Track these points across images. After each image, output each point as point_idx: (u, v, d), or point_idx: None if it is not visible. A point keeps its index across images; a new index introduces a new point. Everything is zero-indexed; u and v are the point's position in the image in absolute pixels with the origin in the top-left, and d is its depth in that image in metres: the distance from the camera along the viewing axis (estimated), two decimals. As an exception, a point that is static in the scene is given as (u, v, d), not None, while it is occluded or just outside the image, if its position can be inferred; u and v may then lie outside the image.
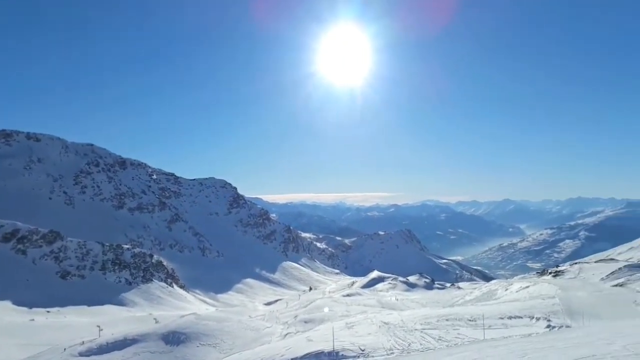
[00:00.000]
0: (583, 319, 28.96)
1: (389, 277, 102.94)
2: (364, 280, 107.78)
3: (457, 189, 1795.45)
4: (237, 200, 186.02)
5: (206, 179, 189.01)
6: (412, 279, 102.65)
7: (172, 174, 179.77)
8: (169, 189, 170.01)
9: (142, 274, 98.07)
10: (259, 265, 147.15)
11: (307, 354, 25.62)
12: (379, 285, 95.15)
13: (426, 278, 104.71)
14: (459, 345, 22.25)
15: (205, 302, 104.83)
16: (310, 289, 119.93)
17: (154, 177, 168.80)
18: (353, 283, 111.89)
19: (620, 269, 58.74)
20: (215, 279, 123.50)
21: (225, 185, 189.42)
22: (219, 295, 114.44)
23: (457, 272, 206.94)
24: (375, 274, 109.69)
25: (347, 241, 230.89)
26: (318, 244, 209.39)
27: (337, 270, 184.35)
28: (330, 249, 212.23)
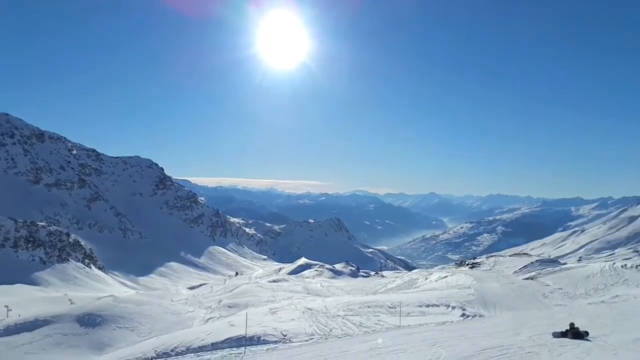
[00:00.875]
0: (495, 309, 30.71)
1: (316, 265, 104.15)
2: (291, 266, 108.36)
3: (386, 181, 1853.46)
4: (163, 181, 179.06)
5: (130, 157, 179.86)
6: (338, 266, 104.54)
7: (94, 150, 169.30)
8: (90, 165, 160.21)
9: (57, 253, 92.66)
10: (184, 248, 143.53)
11: (227, 338, 25.16)
12: (306, 272, 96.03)
13: (352, 266, 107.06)
14: (376, 331, 22.67)
15: (125, 284, 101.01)
16: (237, 274, 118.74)
17: (74, 152, 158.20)
18: (280, 269, 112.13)
19: (532, 263, 63.45)
20: (136, 262, 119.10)
21: (151, 165, 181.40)
22: (140, 278, 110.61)
23: (382, 261, 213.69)
24: (302, 260, 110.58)
25: (276, 227, 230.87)
26: (247, 230, 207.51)
27: (265, 256, 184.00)
28: (259, 234, 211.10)
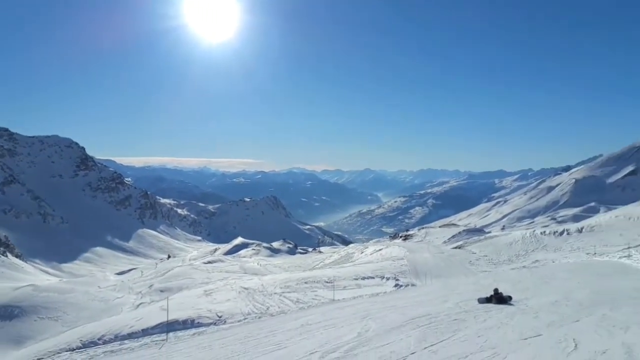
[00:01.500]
0: (426, 278, 32.03)
1: (253, 243, 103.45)
2: (227, 246, 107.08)
3: (323, 157, 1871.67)
4: (85, 161, 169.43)
5: (48, 136, 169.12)
6: (275, 244, 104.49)
7: (6, 130, 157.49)
8: (2, 146, 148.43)
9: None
10: (110, 232, 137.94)
11: (159, 323, 24.33)
12: (243, 252, 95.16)
13: (289, 243, 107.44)
14: (312, 306, 22.79)
15: (47, 272, 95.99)
16: (169, 257, 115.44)
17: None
18: (216, 250, 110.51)
19: (459, 233, 67.09)
20: (58, 248, 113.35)
21: (71, 144, 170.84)
22: (64, 265, 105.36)
23: (320, 237, 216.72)
24: (239, 240, 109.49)
25: (211, 207, 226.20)
26: (179, 210, 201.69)
27: (200, 238, 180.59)
28: (192, 215, 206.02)
